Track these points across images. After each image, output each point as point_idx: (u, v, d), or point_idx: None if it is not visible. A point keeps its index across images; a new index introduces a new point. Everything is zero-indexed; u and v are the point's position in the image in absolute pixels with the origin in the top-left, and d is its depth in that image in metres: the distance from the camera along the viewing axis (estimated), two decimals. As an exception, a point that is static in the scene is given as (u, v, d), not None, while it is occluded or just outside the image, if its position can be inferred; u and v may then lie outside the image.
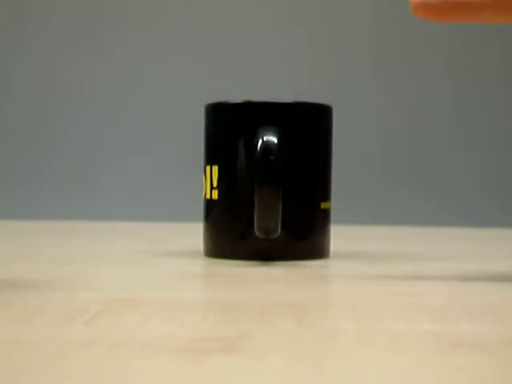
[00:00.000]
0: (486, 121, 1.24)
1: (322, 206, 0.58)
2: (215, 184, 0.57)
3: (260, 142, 0.53)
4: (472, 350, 0.28)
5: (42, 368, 0.24)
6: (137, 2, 1.29)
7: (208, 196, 0.58)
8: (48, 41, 1.27)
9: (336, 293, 0.41)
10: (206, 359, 0.26)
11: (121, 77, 1.27)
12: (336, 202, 1.24)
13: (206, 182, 0.58)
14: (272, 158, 0.52)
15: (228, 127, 0.57)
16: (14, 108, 1.27)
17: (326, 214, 0.58)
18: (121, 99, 1.26)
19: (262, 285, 0.44)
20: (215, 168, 0.57)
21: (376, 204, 1.28)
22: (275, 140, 0.53)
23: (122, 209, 1.21)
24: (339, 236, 0.84)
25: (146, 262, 0.54)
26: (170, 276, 0.47)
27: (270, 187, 0.52)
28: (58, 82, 1.27)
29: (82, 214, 1.22)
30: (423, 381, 0.23)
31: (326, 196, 0.58)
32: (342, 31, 1.29)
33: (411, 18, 1.30)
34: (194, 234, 0.83)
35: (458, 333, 0.31)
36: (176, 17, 1.29)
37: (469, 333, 0.31)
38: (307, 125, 0.57)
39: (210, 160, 0.58)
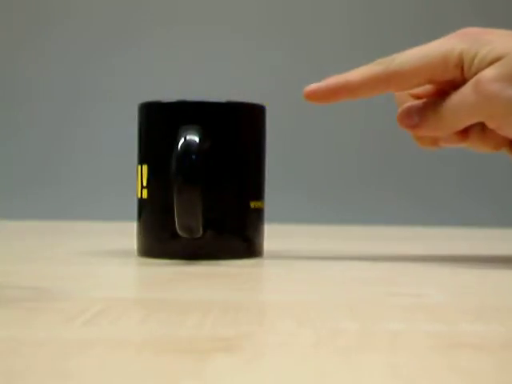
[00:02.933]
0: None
1: (253, 205, 0.57)
2: (145, 183, 0.57)
3: (181, 141, 0.53)
4: (472, 350, 0.28)
5: (41, 368, 0.24)
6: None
7: (139, 195, 0.58)
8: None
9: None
10: (205, 359, 0.26)
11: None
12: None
13: (138, 182, 0.58)
14: (193, 157, 0.52)
15: (156, 126, 0.57)
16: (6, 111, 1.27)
17: (257, 213, 0.58)
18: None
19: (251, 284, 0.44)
20: (145, 167, 0.57)
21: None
22: (197, 139, 0.53)
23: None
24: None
25: (140, 262, 0.54)
26: (171, 276, 0.47)
27: (189, 187, 0.51)
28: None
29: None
30: (423, 381, 0.23)
31: (257, 195, 0.58)
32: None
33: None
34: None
35: (458, 333, 0.31)
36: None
37: (468, 333, 0.31)
38: (236, 124, 0.57)
39: (140, 159, 0.58)
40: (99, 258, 0.57)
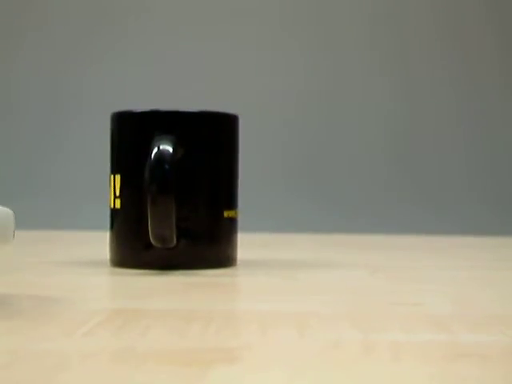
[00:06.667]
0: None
1: (226, 214, 0.57)
2: (118, 193, 0.57)
3: (154, 150, 0.52)
4: (474, 359, 0.28)
5: (42, 380, 0.24)
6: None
7: (112, 205, 0.57)
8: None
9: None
10: (207, 370, 0.25)
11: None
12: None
13: (110, 191, 0.58)
14: (166, 166, 0.51)
15: (129, 136, 0.57)
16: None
17: (230, 222, 0.58)
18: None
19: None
20: (118, 177, 0.57)
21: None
22: (170, 149, 0.52)
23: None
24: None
25: (117, 273, 0.53)
26: (167, 286, 0.46)
27: (163, 196, 0.51)
28: None
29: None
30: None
31: (230, 205, 0.58)
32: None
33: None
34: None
35: (461, 342, 0.31)
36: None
37: (471, 342, 0.31)
38: (209, 134, 0.56)
39: (113, 169, 0.58)
40: (96, 267, 0.56)
